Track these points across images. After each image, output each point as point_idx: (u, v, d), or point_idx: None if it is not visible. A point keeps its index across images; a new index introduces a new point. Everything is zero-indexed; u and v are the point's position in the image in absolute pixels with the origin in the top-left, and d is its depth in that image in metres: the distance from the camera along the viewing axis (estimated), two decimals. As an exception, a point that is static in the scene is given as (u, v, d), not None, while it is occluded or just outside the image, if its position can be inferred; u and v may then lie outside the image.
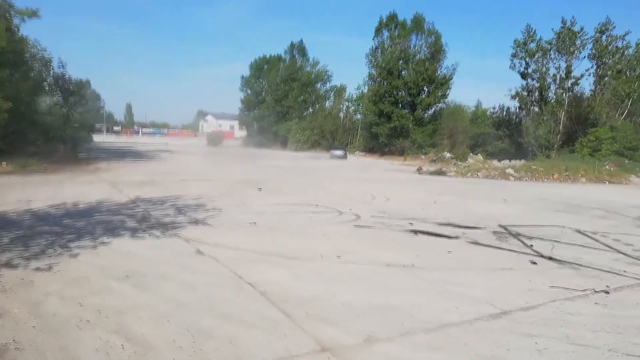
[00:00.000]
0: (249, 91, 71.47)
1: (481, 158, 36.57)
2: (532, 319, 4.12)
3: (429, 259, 6.25)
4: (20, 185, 12.90)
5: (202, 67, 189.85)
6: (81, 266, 5.30)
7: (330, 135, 55.79)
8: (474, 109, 48.48)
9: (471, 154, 38.16)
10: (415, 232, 8.08)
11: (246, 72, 72.47)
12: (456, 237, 7.77)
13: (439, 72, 45.38)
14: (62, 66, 25.17)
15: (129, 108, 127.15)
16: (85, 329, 3.64)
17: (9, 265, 5.18)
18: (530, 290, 4.99)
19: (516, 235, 8.04)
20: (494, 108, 46.12)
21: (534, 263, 6.18)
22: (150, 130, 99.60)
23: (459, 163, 32.69)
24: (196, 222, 8.38)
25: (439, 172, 23.96)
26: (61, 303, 4.13)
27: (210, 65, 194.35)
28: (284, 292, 4.67)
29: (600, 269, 5.92)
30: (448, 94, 46.15)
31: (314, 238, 7.36)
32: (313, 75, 60.84)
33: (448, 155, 36.99)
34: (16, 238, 6.49)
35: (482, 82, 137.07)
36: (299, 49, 63.10)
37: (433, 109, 46.73)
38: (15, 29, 19.82)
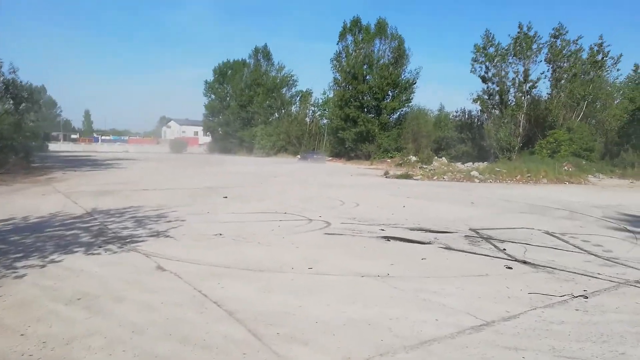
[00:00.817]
0: (213, 96, 70.39)
1: (445, 161, 37.11)
2: (516, 330, 3.94)
3: (403, 267, 6.03)
4: (-36, 198, 11.98)
5: (164, 72, 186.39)
6: (27, 289, 4.78)
7: (297, 141, 55.53)
8: (437, 112, 49.22)
9: (436, 157, 38.68)
10: (388, 238, 7.87)
11: (210, 77, 71.33)
12: (429, 243, 7.61)
13: (402, 77, 45.94)
14: (14, 71, 23.85)
15: (87, 115, 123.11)
16: (26, 364, 3.19)
17: (-59, 290, 4.61)
18: (509, 297, 4.84)
19: (488, 239, 7.96)
20: (456, 112, 47.05)
21: (509, 268, 6.07)
22: (111, 137, 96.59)
23: (424, 166, 33.03)
24: (157, 234, 7.89)
25: (406, 176, 24.07)
26: (0, 334, 3.65)
27: (173, 70, 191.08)
28: (252, 309, 4.33)
29: (574, 272, 5.86)
30: (412, 98, 46.79)
31: (283, 248, 7.03)
32: (278, 80, 60.47)
33: (414, 158, 37.37)
34: (-47, 258, 5.86)
35: (444, 86, 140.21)
36: (263, 54, 62.66)
37: (398, 113, 47.23)
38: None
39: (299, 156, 50.11)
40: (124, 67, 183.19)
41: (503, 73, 39.60)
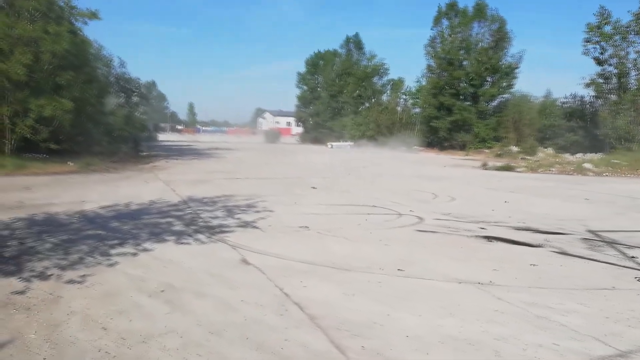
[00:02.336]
0: (304, 87, 71.39)
1: (552, 152, 34.01)
2: (663, 367, 3.12)
3: (509, 273, 5.27)
4: (80, 184, 13.07)
5: (260, 65, 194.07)
6: (116, 278, 4.84)
7: (387, 130, 54.39)
8: (542, 99, 45.13)
9: (540, 148, 35.60)
10: (489, 238, 7.06)
11: (302, 68, 72.38)
12: (539, 246, 6.68)
13: (503, 61, 42.74)
14: (123, 65, 25.87)
15: (191, 107, 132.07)
16: (103, 362, 3.09)
17: (42, 276, 4.82)
18: (648, 320, 3.94)
19: (611, 244, 6.81)
20: (565, 98, 42.90)
21: (644, 281, 5.04)
22: (211, 128, 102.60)
23: (527, 157, 30.50)
24: (245, 225, 7.84)
25: (507, 168, 22.25)
26: (83, 326, 3.63)
27: (268, 63, 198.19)
28: (336, 315, 3.94)
29: None
30: (514, 84, 43.38)
31: (371, 244, 6.57)
32: (369, 69, 59.49)
33: (515, 149, 34.69)
34: (59, 243, 6.21)
35: (553, 70, 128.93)
36: (354, 43, 61.96)
37: (497, 100, 44.14)
38: (78, 31, 20.43)
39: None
40: (224, 61, 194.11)
41: (622, 53, 35.17)
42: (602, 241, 6.99)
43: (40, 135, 17.26)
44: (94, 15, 18.86)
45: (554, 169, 21.43)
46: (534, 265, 5.65)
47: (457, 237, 7.15)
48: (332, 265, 5.45)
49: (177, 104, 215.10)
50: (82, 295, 4.29)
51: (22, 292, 4.30)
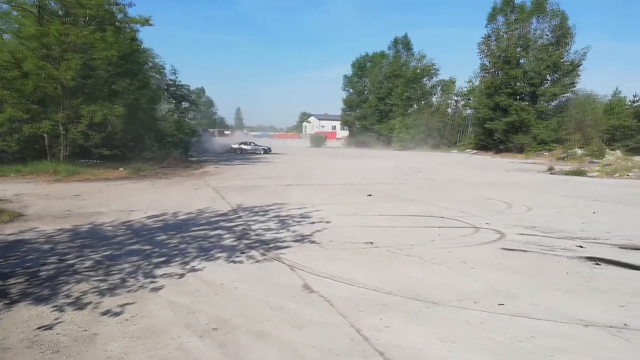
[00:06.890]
0: (351, 90, 70.51)
1: (620, 154, 31.32)
2: None
3: (645, 313, 4.13)
4: (129, 190, 12.76)
5: (306, 71, 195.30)
6: (160, 308, 4.11)
7: (437, 133, 52.57)
8: (609, 98, 41.91)
9: (608, 150, 32.89)
10: (595, 260, 5.86)
11: (349, 72, 71.57)
12: (663, 272, 5.43)
13: (565, 58, 40.06)
14: (174, 73, 26.04)
15: (238, 112, 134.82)
16: None
17: (78, 303, 4.16)
18: None
19: None
20: (634, 96, 39.67)
21: None
22: (258, 133, 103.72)
23: (594, 161, 28.15)
24: (302, 239, 7.02)
25: (578, 172, 20.34)
26: (118, 380, 2.88)
27: (314, 69, 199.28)
28: (436, 373, 2.99)
29: None
30: (577, 82, 40.52)
31: (452, 267, 5.55)
32: (418, 70, 57.71)
33: (580, 151, 32.21)
34: (101, 260, 5.60)
35: (622, 67, 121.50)
36: (403, 44, 60.46)
37: (558, 100, 41.41)
38: (134, 38, 20.54)
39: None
40: (271, 67, 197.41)
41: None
42: None
43: (92, 140, 17.29)
44: (146, 22, 18.81)
45: (631, 174, 19.36)
46: (671, 300, 4.45)
47: (554, 258, 5.99)
48: (414, 296, 4.49)
49: (224, 109, 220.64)
50: (120, 332, 3.56)
51: (51, 327, 3.64)
